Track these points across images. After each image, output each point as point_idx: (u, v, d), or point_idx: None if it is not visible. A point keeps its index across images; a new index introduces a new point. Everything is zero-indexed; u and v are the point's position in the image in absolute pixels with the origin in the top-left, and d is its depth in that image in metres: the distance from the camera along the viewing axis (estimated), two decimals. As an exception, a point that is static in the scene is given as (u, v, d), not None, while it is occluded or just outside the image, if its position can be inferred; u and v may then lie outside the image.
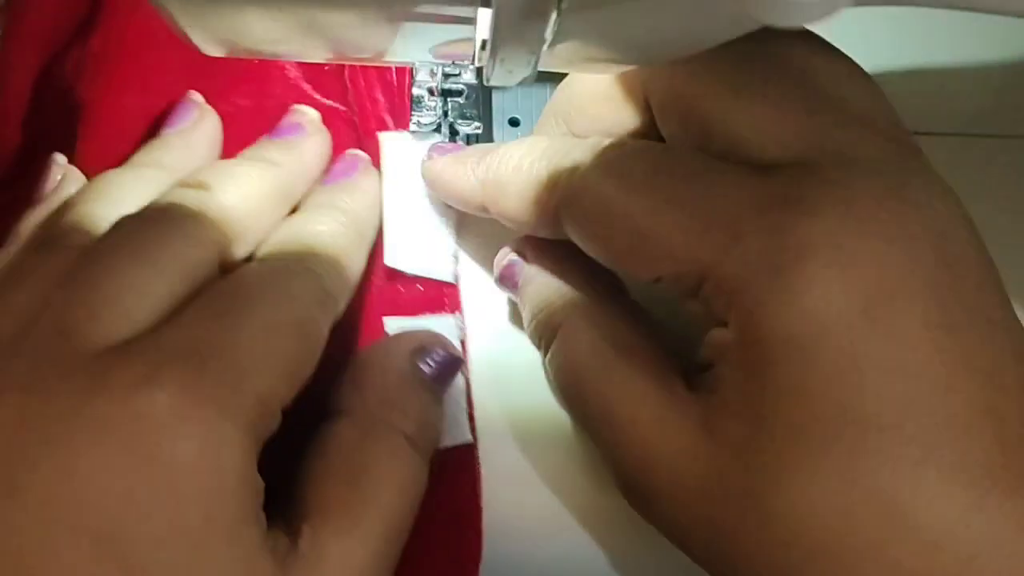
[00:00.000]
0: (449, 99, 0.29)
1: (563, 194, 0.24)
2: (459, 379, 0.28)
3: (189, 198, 0.24)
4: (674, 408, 0.22)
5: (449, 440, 0.27)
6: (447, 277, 0.28)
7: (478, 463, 0.27)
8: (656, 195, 0.22)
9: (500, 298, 0.29)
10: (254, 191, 0.26)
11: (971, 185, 0.32)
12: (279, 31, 0.18)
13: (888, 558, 0.19)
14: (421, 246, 0.28)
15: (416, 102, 0.29)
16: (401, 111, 0.30)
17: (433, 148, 0.28)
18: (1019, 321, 0.21)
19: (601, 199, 0.23)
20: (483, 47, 0.18)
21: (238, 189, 0.25)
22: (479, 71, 0.29)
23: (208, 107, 0.29)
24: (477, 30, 0.18)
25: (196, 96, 0.29)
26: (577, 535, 0.27)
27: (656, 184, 0.22)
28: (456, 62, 0.26)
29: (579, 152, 0.24)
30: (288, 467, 0.24)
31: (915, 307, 0.20)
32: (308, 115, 0.29)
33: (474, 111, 0.29)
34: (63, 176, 0.28)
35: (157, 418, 0.19)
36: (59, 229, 0.24)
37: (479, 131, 0.30)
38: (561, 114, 0.27)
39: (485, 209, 0.26)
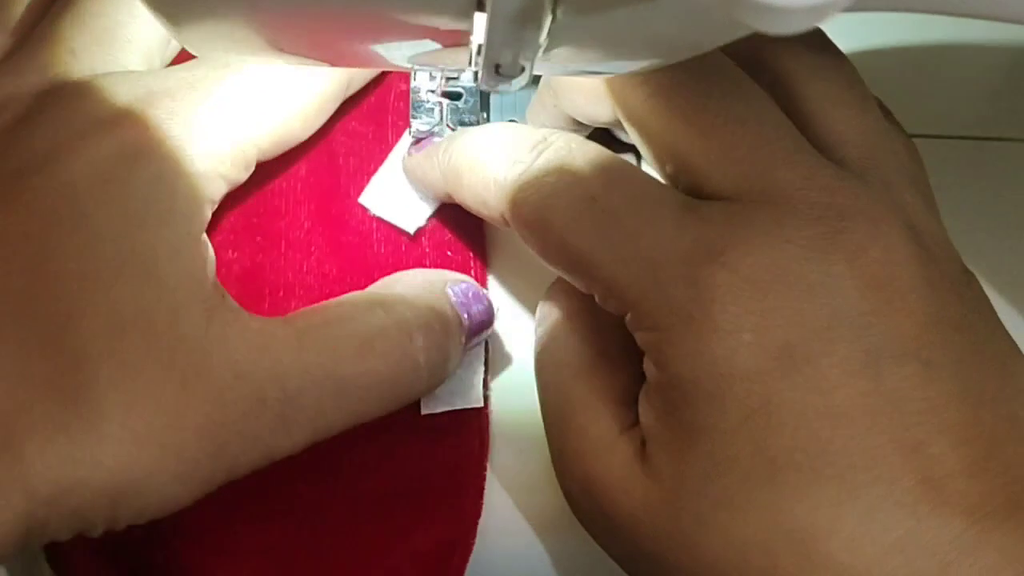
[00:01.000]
0: (448, 101, 0.29)
1: (507, 200, 0.24)
2: (479, 346, 0.28)
3: None
4: (620, 433, 0.23)
5: (461, 402, 0.28)
6: (408, 228, 0.29)
7: (488, 427, 0.28)
8: (588, 221, 0.22)
9: (527, 278, 0.30)
10: None
11: (976, 189, 0.32)
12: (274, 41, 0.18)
13: None
14: (400, 199, 0.29)
15: (415, 105, 0.29)
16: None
17: (413, 145, 0.29)
18: (975, 356, 0.21)
19: (538, 213, 0.23)
20: (478, 52, 0.18)
21: None
22: (477, 74, 0.29)
23: None
24: (472, 35, 0.18)
25: None
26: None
27: (591, 210, 0.22)
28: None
29: (528, 157, 0.24)
30: None
31: (834, 354, 0.20)
32: None
33: (472, 116, 0.29)
34: None
35: (118, 156, 0.23)
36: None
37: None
38: (552, 89, 0.27)
39: (450, 197, 0.27)
